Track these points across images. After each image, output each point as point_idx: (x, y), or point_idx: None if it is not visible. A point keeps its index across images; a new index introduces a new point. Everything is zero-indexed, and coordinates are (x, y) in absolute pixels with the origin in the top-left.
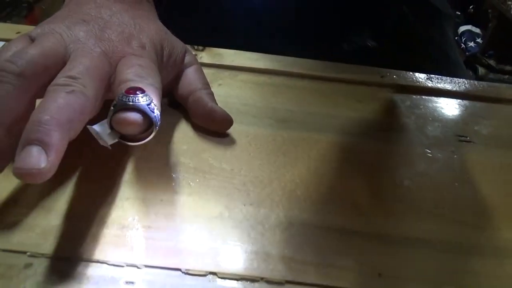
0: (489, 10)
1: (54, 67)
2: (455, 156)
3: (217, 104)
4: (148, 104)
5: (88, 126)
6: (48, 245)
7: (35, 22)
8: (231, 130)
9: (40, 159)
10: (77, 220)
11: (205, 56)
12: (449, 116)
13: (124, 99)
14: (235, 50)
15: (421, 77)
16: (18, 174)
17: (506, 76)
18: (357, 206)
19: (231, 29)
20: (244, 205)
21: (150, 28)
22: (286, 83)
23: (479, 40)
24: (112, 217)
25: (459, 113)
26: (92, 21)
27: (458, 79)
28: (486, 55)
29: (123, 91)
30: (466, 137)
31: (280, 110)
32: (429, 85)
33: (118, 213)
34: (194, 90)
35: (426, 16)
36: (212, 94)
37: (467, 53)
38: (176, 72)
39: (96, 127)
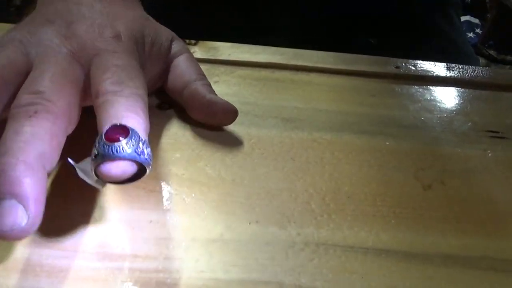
0: (487, 0)
1: (16, 79)
2: (489, 154)
3: (216, 95)
4: (135, 149)
5: (74, 165)
6: (11, 282)
7: None
8: (231, 133)
9: (17, 217)
10: (48, 250)
11: (198, 50)
12: (476, 109)
13: (106, 150)
14: (232, 43)
15: (440, 66)
16: None
17: (508, 67)
18: (381, 218)
19: (227, 25)
20: (249, 223)
21: (127, 15)
22: (291, 78)
23: (478, 30)
24: (90, 245)
25: (486, 105)
26: (57, 19)
27: (481, 67)
28: (486, 45)
29: (103, 136)
30: (498, 132)
31: (285, 108)
32: (450, 75)
33: (98, 239)
34: (188, 82)
35: (433, 4)
36: (209, 84)
37: None
38: (164, 63)
39: (80, 169)
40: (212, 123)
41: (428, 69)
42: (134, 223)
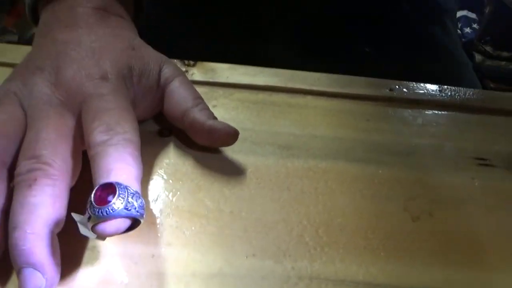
0: None
1: (19, 134)
2: (476, 183)
3: (215, 117)
4: (125, 206)
5: (76, 221)
6: None
7: (19, 17)
8: (229, 161)
9: (37, 282)
10: None
11: (197, 72)
12: (466, 134)
13: (97, 213)
14: (229, 64)
15: (432, 89)
16: None
17: (503, 63)
18: (371, 250)
19: (226, 34)
20: (247, 257)
21: (114, 48)
22: (287, 101)
23: (475, 25)
24: (93, 281)
25: (477, 130)
26: (47, 66)
27: (473, 90)
28: (483, 41)
29: (92, 198)
30: (486, 159)
31: (282, 134)
32: (442, 98)
33: (100, 275)
34: (185, 111)
35: (427, 13)
36: (206, 108)
37: (463, 39)
38: (156, 92)
39: (82, 224)
40: (216, 146)
41: (420, 91)
42: (136, 258)
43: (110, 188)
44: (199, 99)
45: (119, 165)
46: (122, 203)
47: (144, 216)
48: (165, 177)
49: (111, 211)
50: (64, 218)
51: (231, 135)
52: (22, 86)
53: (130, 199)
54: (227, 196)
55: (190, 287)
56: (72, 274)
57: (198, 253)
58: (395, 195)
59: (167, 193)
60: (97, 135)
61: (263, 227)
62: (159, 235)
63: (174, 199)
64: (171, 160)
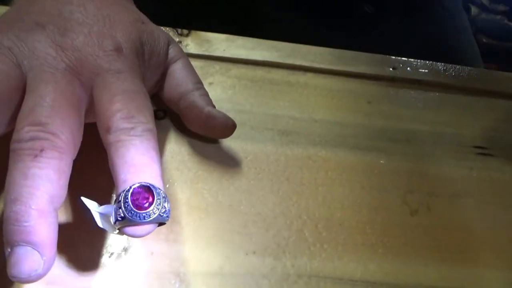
0: None
1: (15, 95)
2: (474, 174)
3: (214, 106)
4: (160, 212)
5: (92, 211)
6: None
7: None
8: (227, 148)
9: (34, 264)
10: (49, 287)
11: (191, 43)
12: (467, 119)
13: (133, 217)
14: (226, 35)
15: (437, 68)
16: (15, 280)
17: (498, 17)
18: (370, 247)
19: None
20: (247, 254)
21: (124, 19)
22: (287, 79)
23: None
24: (95, 280)
25: (478, 115)
26: (49, 24)
27: (477, 69)
28: None
29: (129, 199)
30: (485, 148)
31: (281, 117)
32: (446, 78)
33: (99, 275)
34: (184, 93)
35: None
36: (206, 94)
37: None
38: (161, 71)
39: (100, 216)
40: (209, 136)
41: (424, 70)
42: (136, 255)
43: (147, 193)
44: (200, 84)
45: (146, 161)
46: (158, 210)
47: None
48: (161, 165)
49: (148, 217)
50: (65, 196)
51: (229, 127)
52: (18, 41)
53: (165, 205)
54: (226, 188)
55: (190, 286)
56: (71, 274)
57: (198, 250)
58: (393, 187)
59: (164, 182)
60: (120, 121)
61: (263, 222)
62: (157, 230)
63: (171, 191)
64: (167, 146)
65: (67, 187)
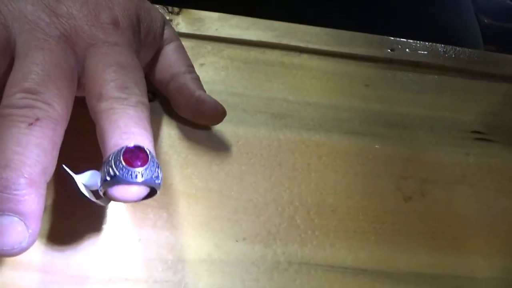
0: None
1: (2, 60)
2: (471, 160)
3: (205, 91)
4: (153, 175)
5: (74, 177)
6: None
7: None
8: (218, 132)
9: (19, 235)
10: (35, 274)
11: (182, 22)
12: (465, 103)
13: (125, 175)
14: (219, 14)
15: (436, 49)
16: None
17: None
18: (362, 234)
19: None
20: (237, 241)
21: None
22: (282, 60)
23: None
24: (81, 268)
25: (477, 98)
26: None
27: (477, 51)
28: None
29: (121, 157)
30: (483, 133)
31: (275, 100)
32: (445, 60)
33: (87, 262)
34: (176, 75)
35: None
36: (197, 78)
37: None
38: (155, 51)
39: (82, 183)
40: (198, 122)
41: (422, 52)
42: (122, 243)
43: (141, 153)
44: (192, 67)
45: (141, 131)
46: (151, 172)
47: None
48: None
49: (140, 176)
50: (54, 167)
51: (219, 113)
52: (7, 1)
53: (156, 169)
54: (216, 173)
55: (178, 273)
56: (56, 261)
57: (186, 237)
58: (388, 173)
59: None
60: (113, 89)
61: (254, 208)
62: (145, 216)
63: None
64: (156, 130)
65: (56, 160)
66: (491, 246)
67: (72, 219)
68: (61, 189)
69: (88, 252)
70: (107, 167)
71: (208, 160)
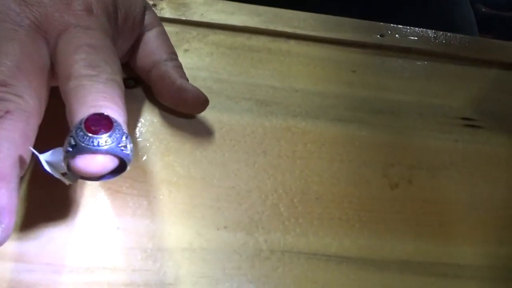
0: None
1: None
2: (460, 146)
3: (187, 79)
4: (118, 143)
5: (38, 155)
6: None
7: None
8: (202, 119)
9: None
10: (11, 263)
11: (167, 7)
12: (455, 90)
13: (86, 142)
14: None
15: (427, 35)
16: None
17: None
18: (346, 221)
19: None
20: (218, 229)
21: None
22: (268, 47)
23: None
24: (58, 257)
25: (467, 84)
26: None
27: (468, 37)
28: None
29: (83, 125)
30: (473, 119)
31: (260, 87)
32: (436, 46)
33: (65, 251)
34: (157, 62)
35: None
36: (180, 66)
37: None
38: (135, 38)
39: (46, 161)
40: (180, 110)
41: (413, 38)
42: (101, 231)
43: (105, 120)
44: (175, 55)
45: (110, 104)
46: (116, 139)
47: (130, 163)
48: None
49: (103, 144)
50: (28, 164)
51: (200, 101)
52: None
53: (124, 139)
54: (199, 160)
55: (157, 262)
56: (33, 250)
57: (167, 225)
58: (374, 160)
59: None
60: (82, 68)
61: (236, 196)
62: (124, 205)
63: (141, 163)
64: (137, 117)
65: (30, 153)
66: (477, 233)
67: (48, 207)
68: (38, 177)
69: (65, 240)
70: (69, 138)
71: (191, 147)
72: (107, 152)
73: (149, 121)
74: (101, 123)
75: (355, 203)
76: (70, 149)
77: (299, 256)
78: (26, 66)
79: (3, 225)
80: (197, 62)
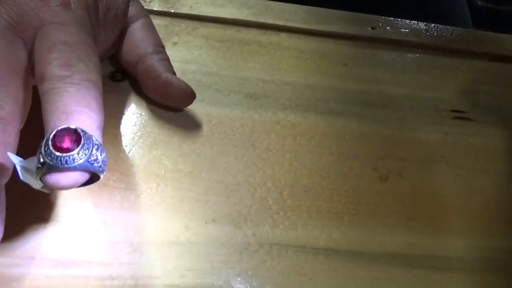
0: None
1: None
2: (449, 139)
3: (174, 72)
4: (88, 158)
5: (17, 164)
6: None
7: None
8: (190, 113)
9: None
10: None
11: (156, 0)
12: (447, 82)
13: (54, 161)
14: None
15: (418, 27)
16: None
17: None
18: (335, 214)
19: None
20: (206, 222)
21: None
22: (258, 39)
23: None
24: (44, 250)
25: (458, 77)
26: None
27: (460, 29)
28: None
29: (50, 143)
30: (463, 112)
31: (250, 80)
32: (427, 38)
33: (51, 244)
34: (143, 55)
35: None
36: (166, 59)
37: None
38: (119, 30)
39: (25, 170)
40: (167, 104)
41: (404, 30)
42: (87, 225)
43: (73, 135)
44: (160, 47)
45: (82, 109)
46: (85, 155)
47: (105, 172)
48: (118, 129)
49: (72, 161)
50: (12, 168)
51: (187, 95)
52: None
53: (94, 152)
54: (187, 154)
55: (144, 255)
56: (19, 244)
57: (154, 218)
58: (364, 153)
59: (120, 148)
60: (55, 68)
61: (225, 189)
62: (111, 198)
63: (128, 156)
64: (125, 110)
65: (11, 159)
66: (467, 225)
67: (34, 200)
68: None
69: (51, 234)
70: (38, 153)
71: (179, 140)
72: (76, 169)
73: (137, 114)
74: (69, 139)
75: (344, 196)
76: (40, 166)
77: (287, 249)
78: (1, 71)
79: None
80: (186, 55)
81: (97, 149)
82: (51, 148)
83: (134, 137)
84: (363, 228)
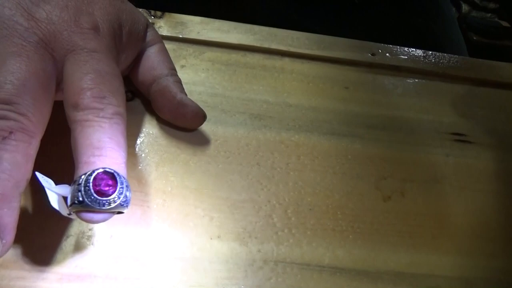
0: None
1: None
2: (451, 161)
3: (186, 94)
4: (121, 201)
5: (47, 190)
6: None
7: None
8: (196, 132)
9: None
10: (4, 270)
11: (165, 26)
12: (446, 106)
13: (93, 203)
14: (201, 18)
15: (416, 54)
16: None
17: (489, 15)
18: (340, 232)
19: None
20: (211, 238)
21: None
22: (263, 64)
23: None
24: (50, 264)
25: (457, 102)
26: None
27: (457, 57)
28: None
29: (90, 184)
30: (463, 135)
31: (255, 101)
32: (425, 64)
33: (57, 257)
34: (158, 77)
35: None
36: (179, 81)
37: None
38: (137, 54)
39: (54, 196)
40: (178, 124)
41: (403, 57)
42: (94, 239)
43: (111, 179)
44: (174, 70)
45: (112, 146)
46: (119, 199)
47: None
48: (127, 147)
49: (108, 204)
50: (29, 179)
51: (199, 116)
52: None
53: (127, 194)
54: (193, 171)
55: (150, 270)
56: (26, 257)
57: (160, 234)
58: (367, 173)
59: (129, 166)
60: (90, 99)
61: (230, 206)
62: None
63: (136, 173)
64: (134, 128)
65: (31, 171)
66: (469, 245)
67: (40, 214)
68: (30, 186)
69: (57, 248)
70: (76, 191)
71: (185, 158)
72: (110, 211)
73: (145, 132)
74: (107, 183)
75: (348, 214)
76: (77, 203)
77: (292, 267)
78: (32, 84)
79: (4, 241)
80: (193, 77)
81: (127, 190)
82: (92, 190)
83: (142, 154)
84: (368, 247)
